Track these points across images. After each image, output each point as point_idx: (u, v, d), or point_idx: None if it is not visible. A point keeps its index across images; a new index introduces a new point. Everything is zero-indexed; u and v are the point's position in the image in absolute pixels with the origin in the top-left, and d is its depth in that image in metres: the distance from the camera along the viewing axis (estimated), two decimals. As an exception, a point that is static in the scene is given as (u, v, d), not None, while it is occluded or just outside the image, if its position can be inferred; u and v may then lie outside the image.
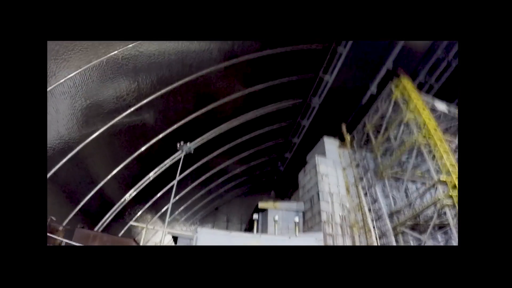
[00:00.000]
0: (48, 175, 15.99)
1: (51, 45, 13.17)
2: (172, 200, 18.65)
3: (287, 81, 27.32)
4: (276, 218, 20.79)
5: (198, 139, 25.69)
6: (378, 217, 24.40)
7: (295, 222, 20.35)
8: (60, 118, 15.37)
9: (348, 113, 32.30)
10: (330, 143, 28.83)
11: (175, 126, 23.03)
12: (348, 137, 28.25)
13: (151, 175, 24.63)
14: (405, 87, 24.77)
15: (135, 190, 24.23)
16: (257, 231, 22.07)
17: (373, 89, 29.41)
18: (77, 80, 14.66)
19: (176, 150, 21.22)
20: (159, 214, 29.80)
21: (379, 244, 22.31)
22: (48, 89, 13.85)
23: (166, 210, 27.29)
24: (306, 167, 28.15)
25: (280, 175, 40.43)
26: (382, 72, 28.11)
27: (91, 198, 19.91)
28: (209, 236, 17.60)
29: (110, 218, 22.85)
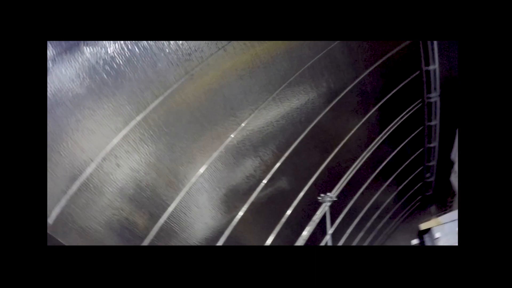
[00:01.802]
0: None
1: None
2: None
3: (397, 90, 26.55)
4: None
5: (337, 185, 25.94)
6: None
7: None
8: (204, 213, 17.19)
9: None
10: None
11: (310, 182, 23.71)
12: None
13: (304, 234, 25.09)
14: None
15: None
16: None
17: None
18: (206, 175, 16.65)
19: (319, 204, 21.91)
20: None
21: None
22: (185, 191, 15.80)
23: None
24: (454, 168, 26.26)
25: (432, 186, 37.76)
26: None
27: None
28: None
29: None
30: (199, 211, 16.79)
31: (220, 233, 18.23)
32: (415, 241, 18.54)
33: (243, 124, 17.66)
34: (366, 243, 35.33)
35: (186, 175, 15.54)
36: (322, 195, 21.33)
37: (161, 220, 14.11)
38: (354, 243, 33.04)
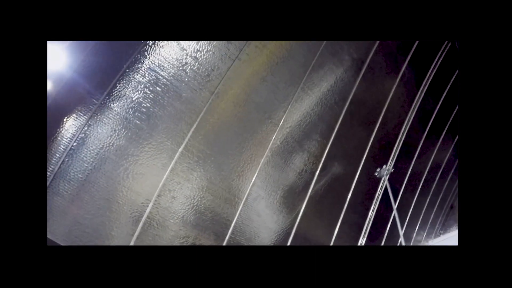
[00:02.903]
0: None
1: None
2: (401, 228, 18.77)
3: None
4: None
5: (391, 155, 25.63)
6: None
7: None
8: (266, 219, 17.66)
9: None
10: None
11: (363, 160, 23.59)
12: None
13: (371, 214, 25.13)
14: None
15: (365, 236, 24.82)
16: None
17: None
18: (259, 183, 17.13)
19: (378, 179, 21.85)
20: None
21: None
22: (242, 203, 16.27)
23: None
24: None
25: None
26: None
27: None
28: None
29: None
30: (260, 219, 17.29)
31: (287, 234, 18.62)
32: None
33: (280, 124, 17.99)
34: (435, 207, 34.54)
35: (240, 188, 16.07)
36: (378, 169, 21.21)
37: (227, 237, 14.68)
38: (423, 210, 32.44)
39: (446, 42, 27.16)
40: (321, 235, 21.70)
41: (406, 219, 27.17)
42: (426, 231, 34.19)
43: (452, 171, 34.40)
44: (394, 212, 19.50)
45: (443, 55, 27.47)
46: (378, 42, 22.51)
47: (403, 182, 27.71)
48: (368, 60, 22.33)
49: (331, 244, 21.60)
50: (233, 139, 15.71)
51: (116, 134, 10.80)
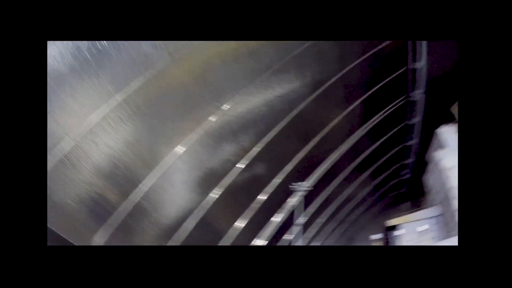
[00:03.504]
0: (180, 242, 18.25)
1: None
2: (295, 242, 19.65)
3: (382, 85, 27.12)
4: (421, 228, 20.38)
5: (313, 174, 26.62)
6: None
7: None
8: (177, 194, 17.72)
9: (454, 94, 30.11)
10: (445, 132, 27.42)
11: (287, 170, 24.28)
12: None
13: (274, 220, 25.71)
14: None
15: (265, 239, 25.31)
16: None
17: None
18: (184, 157, 17.01)
19: (293, 192, 22.65)
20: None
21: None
22: (161, 171, 16.09)
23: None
24: (427, 168, 27.09)
25: (407, 185, 39.08)
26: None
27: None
28: None
29: None
30: (172, 191, 17.25)
31: (189, 214, 18.76)
32: (376, 236, 19.25)
33: (224, 109, 18.03)
34: (336, 234, 36.42)
35: (163, 156, 15.92)
36: (296, 183, 21.94)
37: (135, 199, 14.52)
38: (324, 234, 34.08)
39: (404, 96, 28.71)
40: (222, 227, 22.07)
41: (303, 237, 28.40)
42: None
43: (363, 208, 36.58)
44: (299, 227, 20.27)
45: (395, 107, 29.09)
46: (342, 72, 23.39)
47: (314, 202, 28.96)
48: (326, 85, 23.07)
49: (224, 240, 22.19)
50: (174, 107, 15.45)
51: (62, 60, 10.25)
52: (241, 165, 20.74)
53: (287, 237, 27.50)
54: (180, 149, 16.65)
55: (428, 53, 25.82)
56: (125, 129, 13.14)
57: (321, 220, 32.06)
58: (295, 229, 22.36)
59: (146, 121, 14.16)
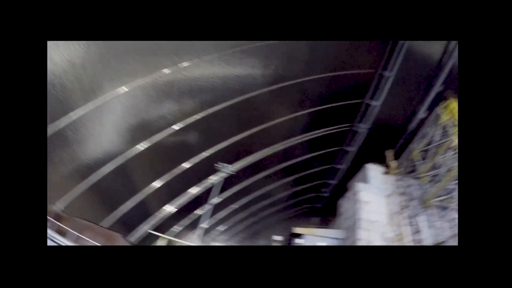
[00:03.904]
0: (91, 183, 17.71)
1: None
2: (204, 220, 19.87)
3: (335, 106, 28.07)
4: (320, 243, 21.24)
5: (241, 161, 26.88)
6: (422, 249, 24.08)
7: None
8: (105, 134, 17.28)
9: (395, 139, 32.37)
10: (373, 170, 28.73)
11: (218, 147, 24.46)
12: (393, 164, 28.23)
13: (192, 191, 26.05)
14: (454, 110, 24.51)
15: (175, 206, 25.71)
16: None
17: (422, 113, 29.39)
18: (123, 99, 16.49)
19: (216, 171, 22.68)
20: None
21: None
22: (96, 104, 15.64)
23: (206, 227, 28.54)
24: (347, 194, 28.17)
25: (324, 201, 40.48)
26: (432, 95, 28.21)
27: (130, 209, 21.59)
28: None
29: (148, 229, 24.13)
30: (100, 129, 16.72)
31: (109, 161, 18.27)
32: (278, 237, 19.92)
33: (180, 66, 17.68)
34: (244, 224, 37.04)
35: (104, 91, 15.35)
36: (221, 164, 22.00)
37: (60, 124, 13.85)
38: (233, 220, 34.59)
39: (350, 124, 29.80)
40: (139, 182, 21.71)
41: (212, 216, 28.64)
42: (224, 238, 36.51)
43: (276, 208, 37.47)
44: (211, 206, 20.44)
45: (339, 130, 30.10)
46: (304, 78, 23.79)
47: (232, 188, 29.27)
48: (286, 84, 23.36)
49: (137, 196, 21.82)
50: (135, 50, 15.02)
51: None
52: (176, 127, 20.46)
53: (198, 212, 27.66)
54: (122, 89, 16.13)
55: (389, 96, 27.22)
56: (76, 49, 12.45)
57: (234, 206, 32.52)
58: (207, 207, 22.48)
59: (100, 51, 13.54)
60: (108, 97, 15.66)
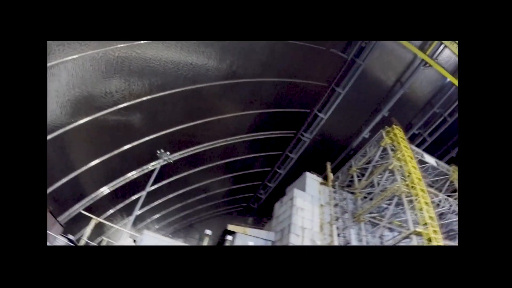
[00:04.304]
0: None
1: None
2: (138, 207, 19.51)
3: (283, 111, 28.58)
4: (251, 243, 21.45)
5: (182, 151, 26.64)
6: (349, 260, 24.79)
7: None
8: (48, 99, 16.30)
9: (336, 153, 33.55)
10: (312, 179, 29.63)
11: (161, 133, 24.03)
12: (331, 176, 29.13)
13: (129, 175, 25.47)
14: (396, 136, 26.07)
15: (110, 187, 24.92)
16: None
17: (365, 133, 30.72)
18: (69, 65, 15.87)
19: (156, 157, 22.37)
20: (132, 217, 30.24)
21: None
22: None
23: (140, 214, 27.97)
24: (283, 199, 28.72)
25: (260, 203, 40.97)
26: (377, 118, 29.53)
27: (63, 184, 20.65)
28: (153, 240, 17.92)
29: (79, 209, 23.20)
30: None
31: (50, 130, 17.56)
32: (208, 231, 19.95)
33: (134, 44, 17.31)
34: (177, 214, 36.66)
35: (55, 56, 14.79)
36: (162, 151, 21.76)
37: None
38: (166, 209, 34.13)
39: (295, 131, 30.42)
40: (74, 157, 20.94)
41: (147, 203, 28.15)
42: (158, 226, 35.96)
43: (215, 202, 37.44)
44: (145, 192, 20.15)
45: (283, 135, 30.60)
46: (257, 79, 24.07)
47: (170, 178, 28.91)
48: (238, 81, 23.60)
49: (72, 174, 21.03)
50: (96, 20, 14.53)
51: None
52: (120, 106, 20.00)
53: (133, 197, 27.11)
54: (71, 57, 15.58)
55: (337, 111, 28.13)
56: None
57: (170, 196, 32.14)
58: (143, 193, 22.06)
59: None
60: (53, 62, 15.06)
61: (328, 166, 29.88)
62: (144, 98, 20.69)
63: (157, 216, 34.51)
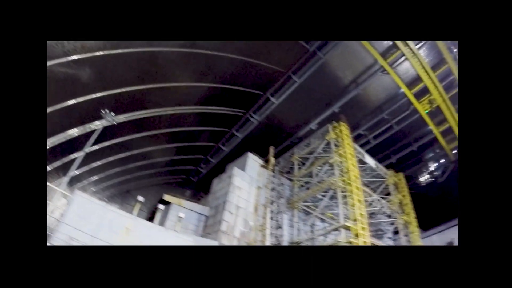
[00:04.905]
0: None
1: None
2: (75, 166, 19.19)
3: (236, 89, 28.65)
4: (182, 215, 21.76)
5: (128, 114, 26.14)
6: (278, 243, 25.89)
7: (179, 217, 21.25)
8: None
9: (281, 139, 34.23)
10: (253, 160, 30.31)
11: (109, 92, 23.35)
12: (273, 160, 29.86)
13: (70, 133, 24.50)
14: (342, 132, 27.11)
15: (49, 144, 23.52)
16: (158, 222, 22.69)
17: (313, 125, 31.54)
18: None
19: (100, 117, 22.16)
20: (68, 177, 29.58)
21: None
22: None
23: (77, 174, 27.65)
24: (222, 176, 29.06)
25: (200, 177, 41.12)
26: (327, 113, 30.31)
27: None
28: (85, 201, 17.30)
29: None
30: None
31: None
32: (140, 198, 20.02)
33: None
34: (115, 178, 36.21)
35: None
36: (107, 111, 21.41)
37: None
38: (104, 173, 33.62)
39: (245, 111, 30.65)
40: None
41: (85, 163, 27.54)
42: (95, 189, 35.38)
43: (155, 170, 37.21)
44: (83, 153, 19.87)
45: (227, 113, 30.70)
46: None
47: (110, 140, 28.48)
48: (195, 51, 23.51)
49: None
50: None
51: None
52: (70, 58, 19.40)
53: (71, 155, 26.50)
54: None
55: (289, 98, 28.70)
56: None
57: (111, 158, 31.84)
58: (80, 154, 21.76)
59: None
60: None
61: (271, 150, 30.53)
62: (97, 54, 20.03)
63: (95, 178, 33.78)
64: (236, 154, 32.33)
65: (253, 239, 24.99)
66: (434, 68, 27.91)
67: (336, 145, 27.06)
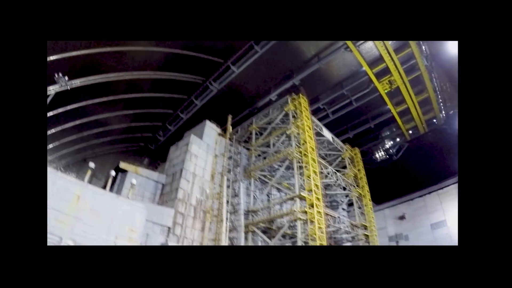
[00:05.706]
0: None
1: None
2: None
3: (196, 56, 28.42)
4: (134, 182, 21.71)
5: (83, 79, 25.43)
6: (235, 211, 26.83)
7: (131, 184, 21.39)
8: None
9: (240, 109, 34.51)
10: (211, 128, 30.32)
11: (63, 55, 22.47)
12: (230, 129, 30.23)
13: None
14: (300, 104, 27.72)
15: None
16: (111, 190, 22.63)
17: (273, 96, 32.05)
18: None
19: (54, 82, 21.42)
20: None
21: (227, 236, 24.38)
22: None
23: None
24: (179, 143, 28.83)
25: (158, 145, 40.86)
26: (288, 85, 30.83)
27: None
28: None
29: None
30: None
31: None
32: (91, 164, 19.80)
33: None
34: (71, 149, 35.49)
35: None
36: (61, 75, 20.93)
37: None
38: (59, 142, 32.80)
39: (204, 79, 30.63)
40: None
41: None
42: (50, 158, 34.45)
43: (111, 138, 36.64)
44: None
45: (188, 80, 30.63)
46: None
47: (65, 106, 27.99)
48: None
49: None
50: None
51: None
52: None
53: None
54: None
55: (250, 67, 28.83)
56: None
57: (66, 125, 31.20)
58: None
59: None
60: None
61: (229, 119, 30.77)
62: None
63: (50, 146, 32.85)
64: (194, 122, 32.19)
65: (210, 207, 25.47)
66: (397, 50, 28.99)
67: (294, 117, 27.76)
